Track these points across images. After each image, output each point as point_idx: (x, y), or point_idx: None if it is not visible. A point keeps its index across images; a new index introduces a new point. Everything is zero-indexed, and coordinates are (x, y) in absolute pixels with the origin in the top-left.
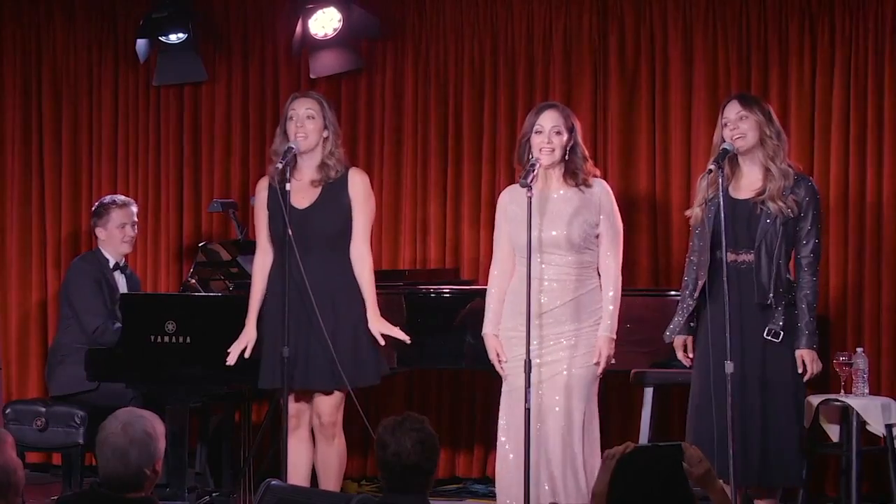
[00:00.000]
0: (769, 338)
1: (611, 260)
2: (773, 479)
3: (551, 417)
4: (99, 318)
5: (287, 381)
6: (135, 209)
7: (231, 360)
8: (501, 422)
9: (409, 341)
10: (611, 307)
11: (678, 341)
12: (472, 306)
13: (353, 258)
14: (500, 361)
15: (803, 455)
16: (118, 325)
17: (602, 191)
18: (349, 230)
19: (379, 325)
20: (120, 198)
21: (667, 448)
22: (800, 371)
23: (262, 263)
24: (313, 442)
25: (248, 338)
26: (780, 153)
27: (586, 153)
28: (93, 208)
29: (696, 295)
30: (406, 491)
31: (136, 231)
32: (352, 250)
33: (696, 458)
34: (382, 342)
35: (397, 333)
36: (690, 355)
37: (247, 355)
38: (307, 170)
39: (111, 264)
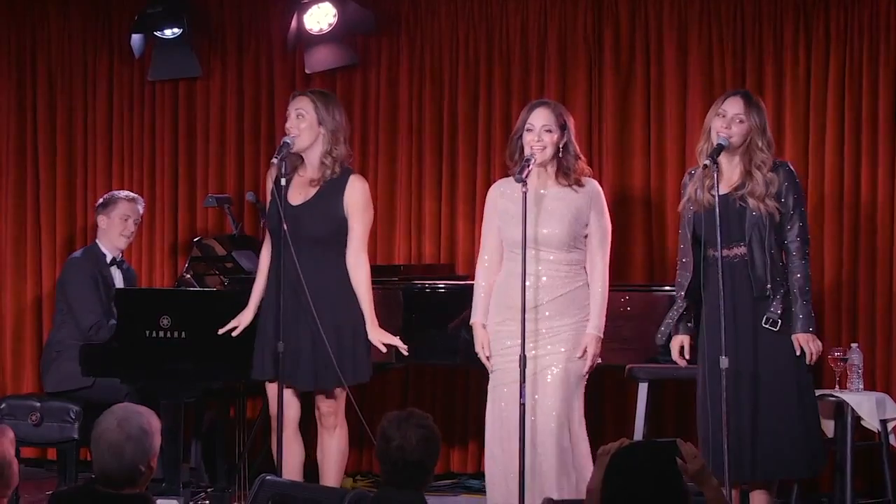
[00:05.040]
0: (767, 326)
1: (598, 259)
2: (774, 472)
3: (543, 413)
4: (94, 316)
5: (278, 375)
6: (141, 207)
7: (222, 330)
8: (487, 417)
9: (406, 352)
10: (598, 305)
11: (675, 342)
12: (467, 302)
13: (349, 266)
14: (485, 356)
15: (820, 444)
16: (113, 321)
17: (593, 190)
18: (342, 234)
19: (378, 335)
20: (130, 193)
21: (661, 444)
22: (798, 354)
23: (266, 254)
24: (308, 440)
25: (241, 319)
26: (768, 163)
27: (579, 152)
28: (101, 199)
29: (684, 294)
30: (405, 485)
31: (136, 228)
32: (348, 258)
33: (692, 454)
34: (384, 350)
35: (395, 342)
36: (687, 357)
37: (234, 333)
38: (310, 167)
39: (108, 259)
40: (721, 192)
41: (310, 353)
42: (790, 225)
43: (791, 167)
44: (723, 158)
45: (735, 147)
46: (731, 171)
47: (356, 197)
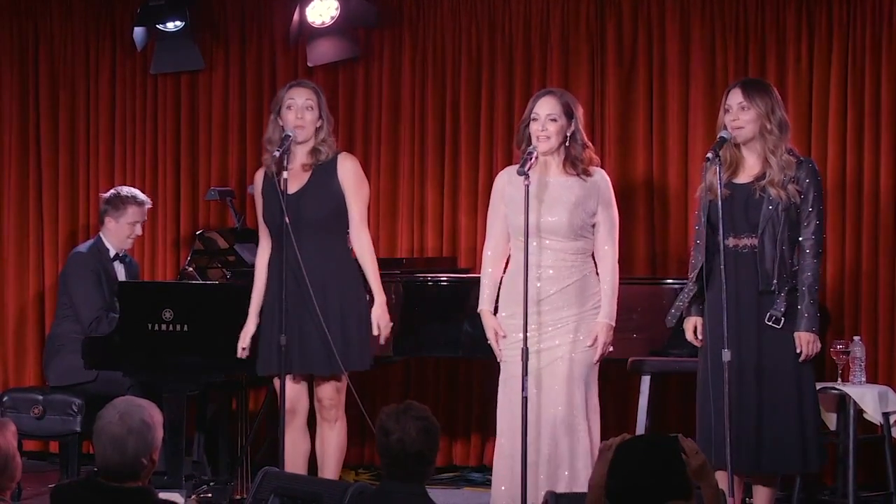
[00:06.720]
0: (770, 324)
1: (608, 248)
2: (774, 467)
3: (552, 405)
4: (94, 312)
5: (284, 368)
6: (148, 207)
7: (241, 354)
8: (500, 410)
9: (382, 343)
10: (609, 294)
11: (689, 323)
12: (468, 294)
13: (354, 245)
14: (497, 340)
15: (818, 441)
16: (114, 315)
17: (601, 180)
18: (342, 214)
19: (380, 313)
20: (140, 195)
21: (663, 439)
22: (797, 351)
23: (262, 258)
24: (311, 433)
25: (245, 338)
26: (781, 145)
27: (587, 141)
28: (108, 194)
29: (694, 277)
30: (406, 479)
31: (142, 231)
32: (352, 237)
33: (693, 450)
34: (375, 332)
35: (382, 335)
36: (700, 337)
37: (244, 355)
38: (300, 155)
39: (111, 254)
40: (743, 181)
41: (318, 338)
42: (807, 222)
43: (815, 166)
44: (745, 150)
45: (749, 137)
46: (751, 159)
47: (349, 174)
